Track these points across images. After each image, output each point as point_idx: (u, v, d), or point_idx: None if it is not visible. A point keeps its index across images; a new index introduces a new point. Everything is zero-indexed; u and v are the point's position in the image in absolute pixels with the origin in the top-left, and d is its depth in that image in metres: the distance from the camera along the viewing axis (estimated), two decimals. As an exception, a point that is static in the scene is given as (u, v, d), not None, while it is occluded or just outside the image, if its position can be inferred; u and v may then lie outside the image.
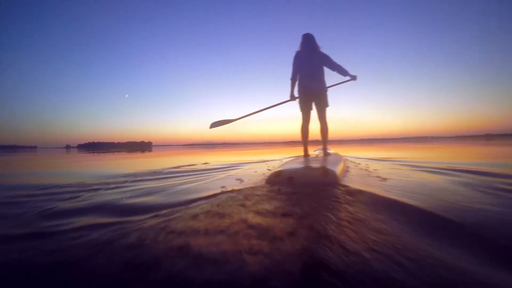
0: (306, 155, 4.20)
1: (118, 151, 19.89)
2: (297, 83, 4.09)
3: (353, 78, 4.07)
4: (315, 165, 2.80)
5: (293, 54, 4.09)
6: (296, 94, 4.10)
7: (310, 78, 3.95)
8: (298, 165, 2.94)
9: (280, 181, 2.55)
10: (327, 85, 4.07)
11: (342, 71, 4.04)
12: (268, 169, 3.86)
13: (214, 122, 4.28)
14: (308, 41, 4.05)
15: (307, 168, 2.73)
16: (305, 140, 4.22)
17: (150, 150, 23.27)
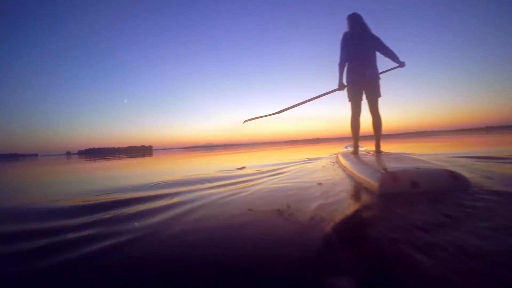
0: (356, 152, 3.82)
1: (125, 156, 19.68)
2: (345, 69, 3.65)
3: (402, 64, 3.63)
4: (430, 165, 2.24)
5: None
6: (344, 81, 3.68)
7: (363, 63, 3.50)
8: (400, 164, 2.32)
9: (398, 187, 1.97)
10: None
11: (394, 57, 3.58)
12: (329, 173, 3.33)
13: (247, 119, 4.21)
14: (359, 21, 3.60)
15: (431, 169, 2.11)
16: (356, 135, 3.78)
17: (151, 154, 23.16)
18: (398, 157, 2.96)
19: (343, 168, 3.50)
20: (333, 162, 4.36)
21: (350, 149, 5.52)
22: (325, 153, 7.96)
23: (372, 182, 2.17)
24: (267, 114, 4.19)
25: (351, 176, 2.88)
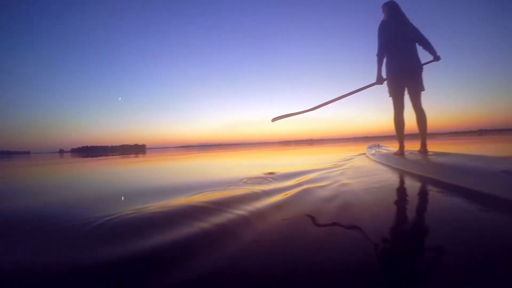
0: (401, 152, 3.48)
1: (121, 155, 19.39)
2: (384, 61, 3.38)
3: (438, 58, 3.32)
4: None
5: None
6: (383, 75, 3.41)
7: (406, 54, 3.24)
8: (500, 165, 1.93)
9: None
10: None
11: (432, 50, 3.30)
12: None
13: (276, 116, 3.84)
14: (396, 9, 3.34)
15: None
16: (401, 133, 3.46)
17: (144, 153, 23.01)
18: (470, 157, 2.64)
19: (411, 173, 2.79)
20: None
21: (378, 149, 5.26)
22: (338, 154, 7.18)
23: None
24: (297, 112, 3.85)
25: (440, 184, 2.20)
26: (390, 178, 2.66)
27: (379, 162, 4.01)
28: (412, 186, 2.25)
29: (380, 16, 3.48)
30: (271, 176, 3.06)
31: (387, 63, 3.37)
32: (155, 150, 57.49)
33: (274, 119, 3.86)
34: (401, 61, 3.24)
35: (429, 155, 3.10)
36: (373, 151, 5.05)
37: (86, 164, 8.08)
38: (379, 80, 3.39)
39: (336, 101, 3.69)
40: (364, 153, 5.99)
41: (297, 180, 2.69)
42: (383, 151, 4.80)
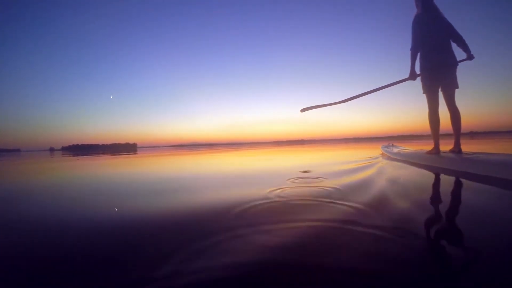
0: (437, 151, 3.37)
1: (115, 154, 19.05)
2: (418, 56, 3.31)
3: (471, 57, 3.21)
4: None
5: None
6: (417, 70, 3.34)
7: (441, 49, 3.16)
8: None
9: None
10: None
11: (467, 47, 3.21)
12: None
13: (305, 107, 3.77)
14: (431, 3, 3.26)
15: None
16: (436, 131, 3.35)
17: (135, 152, 22.78)
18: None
19: (466, 173, 2.55)
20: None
21: (398, 149, 5.03)
22: (351, 153, 6.91)
23: None
24: (327, 103, 3.77)
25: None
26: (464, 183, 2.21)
27: (415, 163, 3.58)
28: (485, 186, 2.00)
29: (413, 9, 3.42)
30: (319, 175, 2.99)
31: (421, 58, 3.30)
32: (146, 149, 56.84)
33: (303, 110, 3.80)
34: (437, 56, 3.17)
35: (466, 154, 3.03)
36: (395, 151, 4.83)
37: (124, 163, 7.39)
38: (412, 76, 3.33)
39: (365, 95, 3.64)
40: (381, 153, 5.70)
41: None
42: (405, 150, 4.65)
